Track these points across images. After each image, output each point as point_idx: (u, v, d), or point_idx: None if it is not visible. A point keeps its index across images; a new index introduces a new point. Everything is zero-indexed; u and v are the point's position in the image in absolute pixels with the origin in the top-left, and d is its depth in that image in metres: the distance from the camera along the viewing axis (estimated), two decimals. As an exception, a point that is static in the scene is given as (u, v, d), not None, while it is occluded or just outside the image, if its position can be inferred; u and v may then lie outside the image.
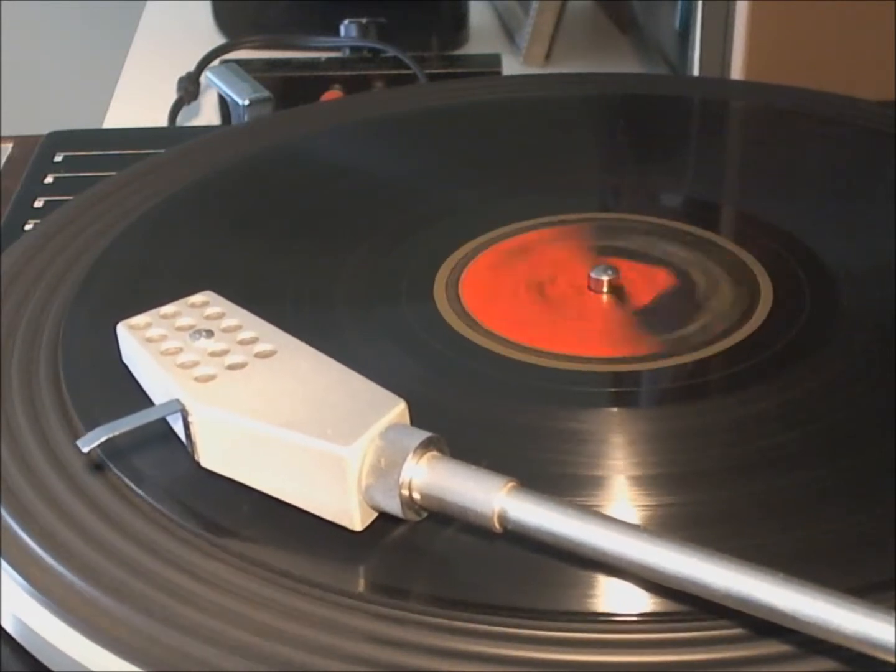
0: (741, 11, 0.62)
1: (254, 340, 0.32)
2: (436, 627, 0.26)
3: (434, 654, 0.26)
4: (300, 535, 0.29)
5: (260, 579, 0.28)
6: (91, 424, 0.30)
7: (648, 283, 0.40)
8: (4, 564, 0.29)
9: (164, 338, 0.32)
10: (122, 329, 0.33)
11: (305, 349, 0.32)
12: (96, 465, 0.31)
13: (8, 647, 0.29)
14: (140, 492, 0.30)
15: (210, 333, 0.32)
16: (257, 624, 0.26)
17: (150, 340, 0.32)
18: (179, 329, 0.33)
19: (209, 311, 0.34)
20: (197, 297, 0.34)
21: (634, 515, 0.29)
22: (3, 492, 0.31)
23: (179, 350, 0.32)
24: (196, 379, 0.30)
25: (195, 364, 0.31)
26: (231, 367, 0.31)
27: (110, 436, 0.29)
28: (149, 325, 0.33)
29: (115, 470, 0.31)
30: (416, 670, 0.25)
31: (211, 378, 0.30)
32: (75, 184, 0.51)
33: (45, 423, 0.33)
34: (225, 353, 0.31)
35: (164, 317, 0.33)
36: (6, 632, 0.29)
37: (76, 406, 0.34)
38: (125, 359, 0.34)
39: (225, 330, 0.33)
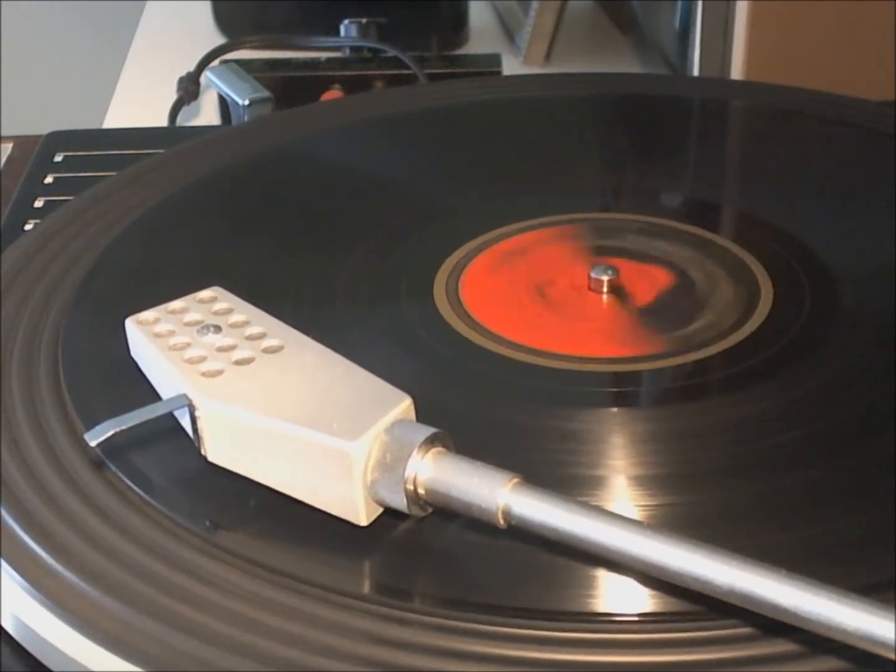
0: (741, 11, 0.62)
1: (261, 336, 0.32)
2: (437, 627, 0.26)
3: (435, 654, 0.26)
4: (300, 535, 0.29)
5: (260, 579, 0.28)
6: (91, 424, 0.30)
7: (648, 283, 0.40)
8: (4, 564, 0.29)
9: (172, 333, 0.33)
10: (130, 324, 0.33)
11: (312, 345, 0.32)
12: (96, 464, 0.31)
13: (8, 647, 0.29)
14: (140, 491, 0.30)
15: (218, 329, 0.32)
16: (258, 624, 0.26)
17: (158, 335, 0.32)
18: (187, 324, 0.33)
19: (217, 306, 0.34)
20: (205, 293, 0.34)
21: (635, 515, 0.29)
22: (3, 492, 0.31)
23: (187, 345, 0.32)
24: (203, 374, 0.31)
25: (203, 359, 0.31)
26: (238, 363, 0.31)
27: (118, 430, 0.29)
28: (157, 321, 0.33)
29: (115, 469, 0.31)
30: (418, 670, 0.25)
31: (218, 373, 0.31)
32: (75, 184, 0.51)
33: (45, 423, 0.33)
34: (232, 348, 0.32)
35: (173, 312, 0.34)
36: (6, 632, 0.29)
37: (76, 406, 0.34)
38: (133, 354, 0.34)
39: (232, 325, 0.33)
